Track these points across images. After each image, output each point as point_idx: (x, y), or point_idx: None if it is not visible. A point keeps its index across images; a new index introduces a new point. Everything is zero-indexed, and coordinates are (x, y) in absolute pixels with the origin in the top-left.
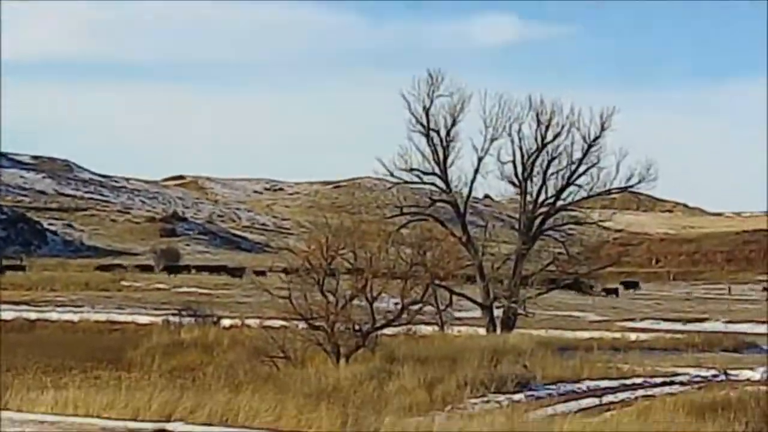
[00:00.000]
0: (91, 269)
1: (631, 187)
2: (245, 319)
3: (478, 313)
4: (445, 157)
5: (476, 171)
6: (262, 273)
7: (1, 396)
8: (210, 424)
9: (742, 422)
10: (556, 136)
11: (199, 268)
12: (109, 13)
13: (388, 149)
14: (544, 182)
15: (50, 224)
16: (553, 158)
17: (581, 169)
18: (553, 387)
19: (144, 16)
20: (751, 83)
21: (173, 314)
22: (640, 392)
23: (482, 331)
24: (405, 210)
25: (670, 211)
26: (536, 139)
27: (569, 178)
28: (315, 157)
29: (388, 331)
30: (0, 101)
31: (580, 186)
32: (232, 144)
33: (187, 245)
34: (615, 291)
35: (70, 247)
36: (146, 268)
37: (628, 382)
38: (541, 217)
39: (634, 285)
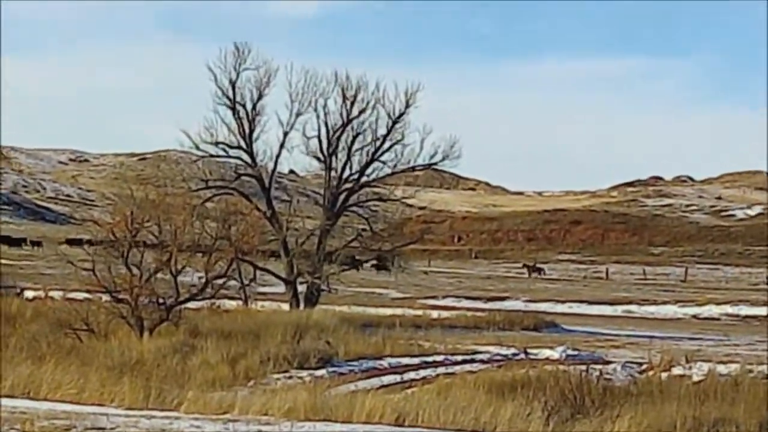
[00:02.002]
0: None
1: (435, 164)
2: (49, 290)
3: (282, 288)
4: (251, 131)
5: (282, 146)
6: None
7: None
8: (12, 396)
9: (541, 401)
10: (361, 112)
11: None
12: None
13: (194, 122)
14: (348, 158)
15: None
16: (358, 134)
17: (386, 145)
18: (356, 363)
19: None
20: (556, 62)
21: None
22: (441, 370)
23: (286, 306)
24: (210, 184)
25: (473, 189)
26: (341, 115)
27: (374, 154)
28: (121, 128)
29: (192, 305)
30: None
31: (384, 162)
32: (38, 113)
33: None
34: (539, 270)
35: None
36: None
37: (429, 359)
38: (345, 193)
39: (539, 270)
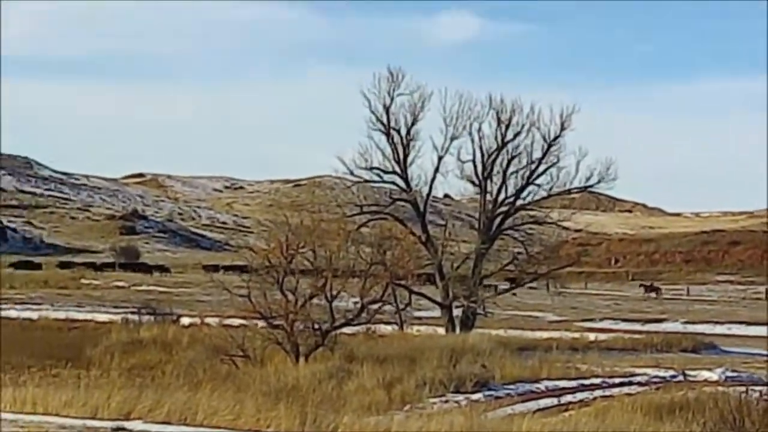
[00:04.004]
0: (52, 267)
1: (591, 186)
2: (204, 317)
3: (437, 312)
4: (405, 156)
5: (436, 170)
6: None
7: None
8: (169, 423)
9: (700, 423)
10: (516, 136)
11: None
12: (57, 5)
13: (349, 147)
14: (503, 181)
15: (10, 222)
16: (513, 157)
17: (541, 168)
18: (512, 387)
19: (94, 9)
20: (711, 83)
21: (132, 312)
22: (599, 392)
23: (441, 330)
24: (365, 209)
25: (629, 211)
26: (496, 139)
27: (529, 177)
28: (275, 155)
29: (347, 330)
30: None
31: (539, 185)
32: (193, 141)
33: (147, 243)
34: (657, 290)
35: (30, 245)
36: (107, 266)
37: (586, 382)
38: (500, 217)
39: (655, 290)
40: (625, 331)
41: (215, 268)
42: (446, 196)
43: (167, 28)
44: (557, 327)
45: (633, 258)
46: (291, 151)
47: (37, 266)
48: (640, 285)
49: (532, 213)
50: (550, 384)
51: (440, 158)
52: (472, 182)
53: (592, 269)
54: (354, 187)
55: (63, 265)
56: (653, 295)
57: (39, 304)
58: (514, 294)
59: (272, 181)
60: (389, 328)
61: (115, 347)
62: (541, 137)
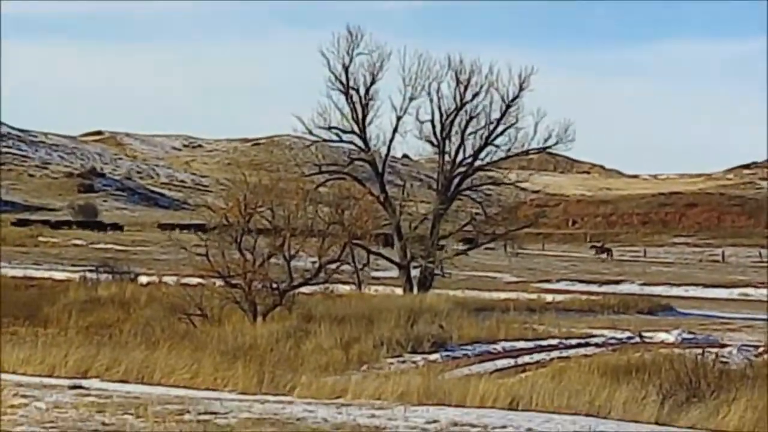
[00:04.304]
0: (8, 224)
1: (549, 147)
2: (162, 276)
3: (395, 272)
4: (364, 116)
5: (395, 130)
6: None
7: None
8: (126, 381)
9: (656, 384)
10: (474, 96)
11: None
12: None
13: (307, 106)
14: (462, 142)
15: None
16: (472, 118)
17: (499, 129)
18: (469, 347)
19: None
20: (669, 45)
21: (90, 270)
22: (555, 353)
23: (399, 291)
24: (323, 168)
25: (587, 172)
26: (455, 99)
27: (487, 138)
28: (233, 114)
29: (305, 289)
30: None
31: (498, 146)
32: (151, 99)
33: (105, 201)
34: (607, 251)
35: None
36: (67, 224)
37: (543, 343)
38: (459, 177)
39: (607, 251)
40: (582, 293)
41: (171, 227)
42: (405, 156)
43: None
44: (514, 288)
45: (590, 219)
46: (250, 109)
47: None
48: (591, 246)
49: (490, 174)
50: (507, 345)
51: (399, 118)
52: (431, 142)
53: (550, 230)
54: (313, 147)
55: (20, 223)
56: (604, 256)
57: None
58: (466, 254)
59: (230, 140)
60: (347, 288)
61: (73, 305)
62: (499, 98)
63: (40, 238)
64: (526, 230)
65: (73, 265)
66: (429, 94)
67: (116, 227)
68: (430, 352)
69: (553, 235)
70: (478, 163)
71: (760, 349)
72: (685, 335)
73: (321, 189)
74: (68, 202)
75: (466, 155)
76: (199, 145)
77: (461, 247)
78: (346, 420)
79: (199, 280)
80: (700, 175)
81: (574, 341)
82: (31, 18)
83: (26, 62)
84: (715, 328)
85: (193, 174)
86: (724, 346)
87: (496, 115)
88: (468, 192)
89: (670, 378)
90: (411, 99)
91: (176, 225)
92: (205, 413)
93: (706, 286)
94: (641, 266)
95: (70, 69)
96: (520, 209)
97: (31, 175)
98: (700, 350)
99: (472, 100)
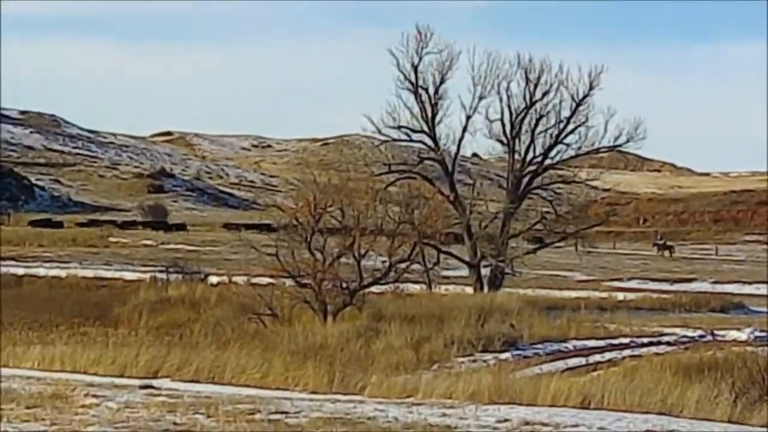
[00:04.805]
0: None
1: (619, 146)
2: (232, 276)
3: (465, 271)
4: (434, 115)
5: (464, 129)
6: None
7: None
8: (197, 381)
9: (728, 383)
10: (544, 95)
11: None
12: None
13: (376, 106)
14: (532, 141)
15: (38, 180)
16: (541, 117)
17: (569, 127)
18: (540, 346)
19: None
20: (740, 43)
21: (160, 271)
22: (627, 352)
23: (469, 289)
24: (393, 168)
25: (657, 170)
26: (524, 98)
27: (557, 136)
28: (303, 114)
29: (375, 289)
30: None
31: (568, 145)
32: (220, 99)
33: (175, 201)
34: (669, 248)
35: (58, 203)
36: (134, 224)
37: (614, 341)
38: (528, 176)
39: (669, 248)
40: (654, 291)
41: (237, 227)
42: (474, 155)
43: None
44: (585, 286)
45: (661, 218)
46: (319, 109)
47: (58, 224)
48: (654, 244)
49: (560, 172)
50: (578, 343)
51: (468, 117)
52: (501, 141)
53: (621, 228)
54: (382, 146)
55: (88, 224)
56: (666, 253)
57: (67, 262)
58: (535, 253)
59: (300, 140)
60: (417, 287)
61: (143, 306)
62: (569, 96)
63: (111, 239)
64: (597, 228)
65: (143, 266)
66: (498, 92)
67: (181, 227)
68: (500, 351)
69: (624, 233)
70: (548, 161)
71: None
72: (757, 333)
73: (390, 188)
74: (138, 202)
75: (536, 154)
76: (269, 145)
77: (531, 246)
78: (417, 419)
79: (270, 279)
80: None
81: (645, 339)
82: (106, 18)
83: (96, 64)
84: None
85: (263, 174)
86: None
87: (566, 113)
88: (538, 190)
89: (742, 376)
90: (480, 98)
91: (242, 225)
92: (276, 413)
93: None
94: (713, 264)
95: (140, 70)
96: (591, 207)
97: (101, 176)
98: None
99: (542, 98)
